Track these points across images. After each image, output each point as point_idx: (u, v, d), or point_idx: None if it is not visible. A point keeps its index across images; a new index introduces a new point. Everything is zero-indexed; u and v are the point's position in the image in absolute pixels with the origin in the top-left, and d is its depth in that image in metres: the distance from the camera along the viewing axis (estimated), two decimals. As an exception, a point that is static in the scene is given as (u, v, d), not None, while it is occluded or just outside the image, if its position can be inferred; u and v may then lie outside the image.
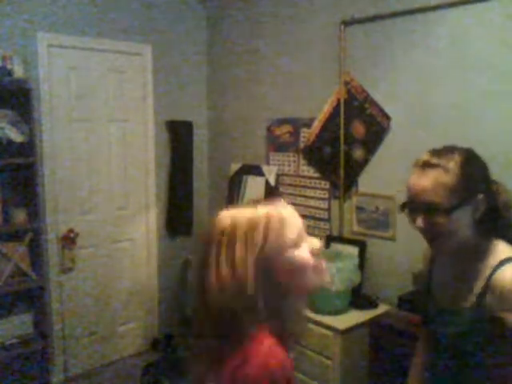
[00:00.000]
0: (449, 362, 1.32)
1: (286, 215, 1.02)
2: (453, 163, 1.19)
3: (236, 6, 3.61)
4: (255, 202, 1.04)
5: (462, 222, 1.21)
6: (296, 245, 1.00)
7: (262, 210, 1.01)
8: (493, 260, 1.21)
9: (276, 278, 0.97)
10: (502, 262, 1.19)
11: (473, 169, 1.21)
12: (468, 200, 1.19)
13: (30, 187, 2.97)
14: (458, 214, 1.19)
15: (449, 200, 1.17)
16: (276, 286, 0.97)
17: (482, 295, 1.20)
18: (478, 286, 1.21)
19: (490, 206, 1.23)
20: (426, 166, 1.21)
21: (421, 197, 1.20)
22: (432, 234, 1.23)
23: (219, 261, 0.95)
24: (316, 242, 1.04)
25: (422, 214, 1.22)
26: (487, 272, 1.20)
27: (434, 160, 1.20)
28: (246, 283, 0.94)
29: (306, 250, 1.02)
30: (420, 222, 1.22)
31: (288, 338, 1.00)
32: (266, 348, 0.92)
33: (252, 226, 0.98)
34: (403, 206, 1.27)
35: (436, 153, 1.23)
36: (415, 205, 1.23)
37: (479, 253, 1.24)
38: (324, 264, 1.04)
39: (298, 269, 1.00)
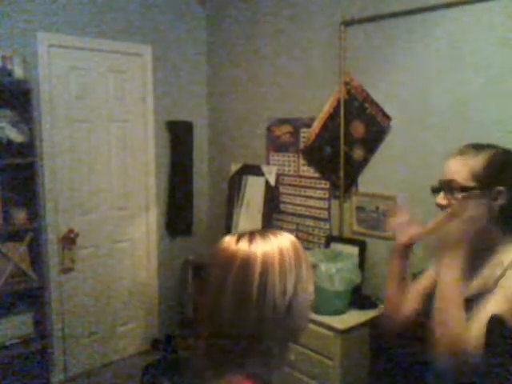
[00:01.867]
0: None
1: (301, 247, 0.99)
2: (486, 152, 1.26)
3: (236, 6, 3.61)
4: (263, 232, 0.98)
5: None
6: (310, 280, 0.98)
7: (285, 242, 0.96)
8: (506, 259, 1.22)
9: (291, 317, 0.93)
10: None
11: (503, 163, 1.26)
12: (487, 187, 1.23)
13: (30, 187, 2.97)
14: (473, 196, 1.22)
15: (467, 180, 1.23)
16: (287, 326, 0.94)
17: (485, 292, 1.20)
18: (485, 281, 1.22)
19: (510, 205, 1.25)
20: (461, 152, 1.29)
21: (445, 176, 1.28)
22: None
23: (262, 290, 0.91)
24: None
25: (444, 191, 1.28)
26: (498, 271, 1.21)
27: (470, 147, 1.29)
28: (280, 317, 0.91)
29: (311, 292, 0.99)
30: (440, 198, 1.29)
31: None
32: None
33: (291, 259, 0.94)
34: (434, 190, 1.33)
35: (475, 144, 1.31)
36: (440, 184, 1.30)
37: (493, 246, 1.26)
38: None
39: (306, 307, 0.97)
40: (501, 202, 1.23)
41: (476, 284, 1.25)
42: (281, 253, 0.93)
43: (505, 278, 1.18)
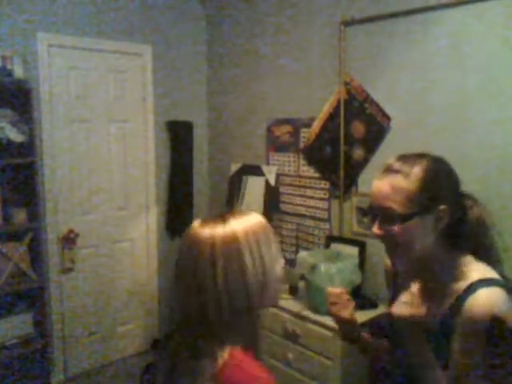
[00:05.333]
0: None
1: (269, 226, 1.04)
2: (417, 169, 1.12)
3: (236, 6, 3.61)
4: (235, 213, 1.04)
5: (421, 232, 1.13)
6: (276, 259, 1.03)
7: (255, 219, 1.02)
8: (463, 281, 1.13)
9: (250, 291, 0.98)
10: (474, 286, 1.10)
11: (438, 178, 1.14)
12: (428, 209, 1.11)
13: (30, 187, 2.97)
14: (415, 223, 1.11)
15: (405, 207, 1.10)
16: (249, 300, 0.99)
17: (449, 316, 1.13)
18: (445, 305, 1.14)
19: (457, 220, 1.16)
20: (387, 170, 1.15)
21: (378, 202, 1.14)
22: (388, 242, 1.17)
23: (216, 270, 0.95)
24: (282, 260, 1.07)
25: (377, 219, 1.16)
26: (455, 294, 1.12)
27: (397, 165, 1.14)
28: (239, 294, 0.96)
29: (282, 265, 1.05)
30: (375, 228, 1.16)
31: (254, 353, 1.01)
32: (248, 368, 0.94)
33: (250, 236, 0.98)
34: (367, 213, 1.26)
35: (402, 158, 1.17)
36: (373, 210, 1.17)
37: (446, 269, 1.16)
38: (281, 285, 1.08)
39: (271, 283, 1.01)
40: (445, 220, 1.14)
41: (440, 311, 1.16)
42: (234, 236, 0.97)
43: (473, 298, 1.09)
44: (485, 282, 1.10)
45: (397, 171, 1.13)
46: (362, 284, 2.69)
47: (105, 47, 3.37)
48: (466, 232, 1.17)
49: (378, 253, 2.77)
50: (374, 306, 2.65)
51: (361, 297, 2.70)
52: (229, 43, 3.71)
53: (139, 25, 3.52)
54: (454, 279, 1.14)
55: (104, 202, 3.48)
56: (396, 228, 1.12)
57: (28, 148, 2.90)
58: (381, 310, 2.62)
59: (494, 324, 1.15)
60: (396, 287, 1.36)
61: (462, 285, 1.12)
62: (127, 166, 3.58)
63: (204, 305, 0.94)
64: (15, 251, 2.95)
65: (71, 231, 3.29)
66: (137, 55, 3.55)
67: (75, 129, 3.31)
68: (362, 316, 2.57)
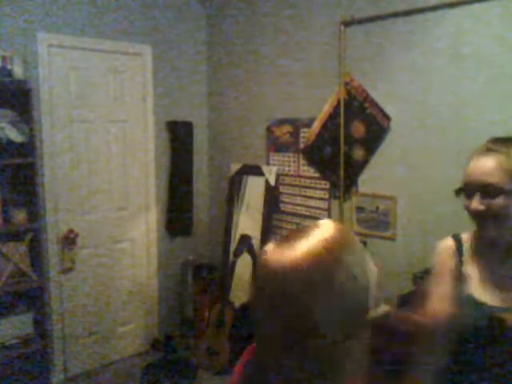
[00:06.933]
0: (449, 362, 1.31)
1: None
2: None
3: (236, 6, 3.61)
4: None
5: None
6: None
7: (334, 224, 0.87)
8: None
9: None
10: None
11: None
12: None
13: (30, 187, 2.97)
14: None
15: (510, 183, 1.22)
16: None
17: None
18: None
19: None
20: (487, 150, 1.27)
21: (481, 179, 1.24)
22: (488, 216, 1.24)
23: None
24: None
25: (480, 195, 1.24)
26: None
27: (496, 147, 1.27)
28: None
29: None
30: (476, 203, 1.24)
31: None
32: None
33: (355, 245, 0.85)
34: (459, 191, 1.29)
35: (497, 141, 1.30)
36: (474, 187, 1.26)
37: None
38: None
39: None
40: None
41: None
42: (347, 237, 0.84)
43: None
44: None
45: (497, 151, 1.26)
46: (362, 284, 2.69)
47: (105, 47, 3.37)
48: None
49: (378, 253, 2.78)
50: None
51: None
52: (229, 43, 3.72)
53: (139, 25, 3.52)
54: None
55: (104, 202, 3.48)
56: (500, 202, 1.22)
57: (28, 148, 2.90)
58: (381, 309, 2.62)
59: (494, 324, 1.15)
60: (464, 269, 1.41)
61: None
62: (127, 166, 3.58)
63: (346, 316, 0.80)
64: (15, 251, 2.95)
65: (71, 231, 3.29)
66: (137, 55, 3.55)
67: (75, 129, 3.31)
68: (362, 316, 2.57)
